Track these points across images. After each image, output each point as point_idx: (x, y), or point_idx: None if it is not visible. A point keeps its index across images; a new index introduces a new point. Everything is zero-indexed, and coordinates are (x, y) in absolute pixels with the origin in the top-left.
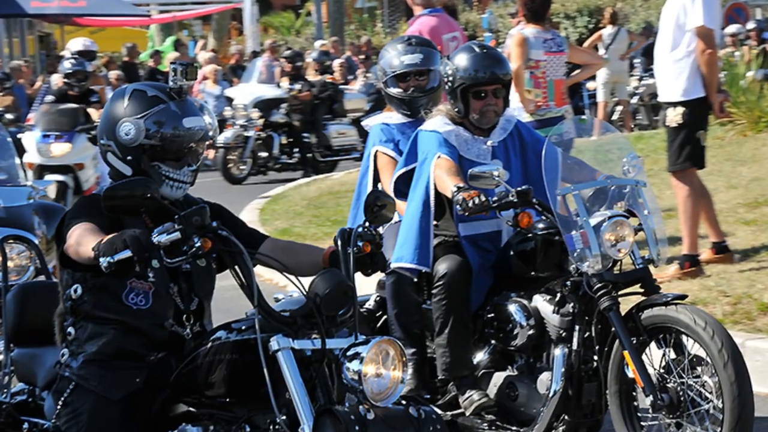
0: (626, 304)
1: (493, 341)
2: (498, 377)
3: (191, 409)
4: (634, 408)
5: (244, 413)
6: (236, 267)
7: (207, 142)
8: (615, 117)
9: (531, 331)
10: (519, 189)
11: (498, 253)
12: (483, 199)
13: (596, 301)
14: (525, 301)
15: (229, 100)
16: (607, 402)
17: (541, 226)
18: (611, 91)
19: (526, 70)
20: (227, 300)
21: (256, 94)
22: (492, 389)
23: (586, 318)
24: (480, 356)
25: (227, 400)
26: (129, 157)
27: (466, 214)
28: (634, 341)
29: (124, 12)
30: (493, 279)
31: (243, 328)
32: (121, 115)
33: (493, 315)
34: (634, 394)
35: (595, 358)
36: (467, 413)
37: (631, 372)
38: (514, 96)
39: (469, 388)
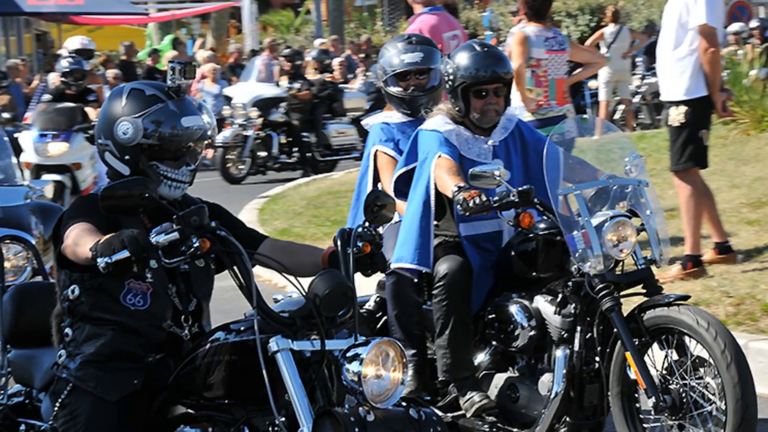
0: (628, 305)
1: (494, 342)
2: (499, 378)
3: (190, 410)
4: (636, 410)
5: (242, 415)
6: (235, 267)
7: (206, 142)
8: (617, 116)
9: (532, 332)
10: (520, 189)
11: (499, 253)
12: (484, 198)
13: (598, 301)
14: (526, 302)
15: (228, 99)
16: (609, 404)
17: (542, 226)
18: (613, 90)
19: (527, 68)
20: (226, 301)
21: (255, 93)
22: (493, 391)
23: (588, 319)
24: (481, 357)
25: (226, 401)
26: (127, 157)
27: (467, 214)
28: (637, 342)
29: (122, 10)
30: (494, 279)
31: (242, 329)
32: (118, 114)
33: (494, 316)
34: (636, 395)
35: (597, 359)
36: (468, 415)
37: (633, 373)
38: (515, 95)
39: (470, 390)
